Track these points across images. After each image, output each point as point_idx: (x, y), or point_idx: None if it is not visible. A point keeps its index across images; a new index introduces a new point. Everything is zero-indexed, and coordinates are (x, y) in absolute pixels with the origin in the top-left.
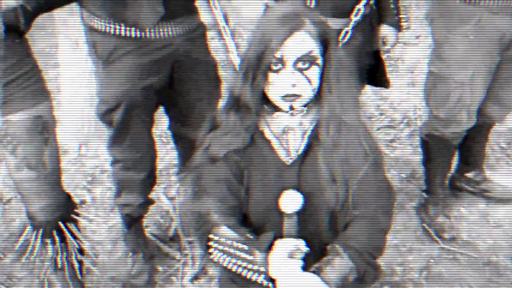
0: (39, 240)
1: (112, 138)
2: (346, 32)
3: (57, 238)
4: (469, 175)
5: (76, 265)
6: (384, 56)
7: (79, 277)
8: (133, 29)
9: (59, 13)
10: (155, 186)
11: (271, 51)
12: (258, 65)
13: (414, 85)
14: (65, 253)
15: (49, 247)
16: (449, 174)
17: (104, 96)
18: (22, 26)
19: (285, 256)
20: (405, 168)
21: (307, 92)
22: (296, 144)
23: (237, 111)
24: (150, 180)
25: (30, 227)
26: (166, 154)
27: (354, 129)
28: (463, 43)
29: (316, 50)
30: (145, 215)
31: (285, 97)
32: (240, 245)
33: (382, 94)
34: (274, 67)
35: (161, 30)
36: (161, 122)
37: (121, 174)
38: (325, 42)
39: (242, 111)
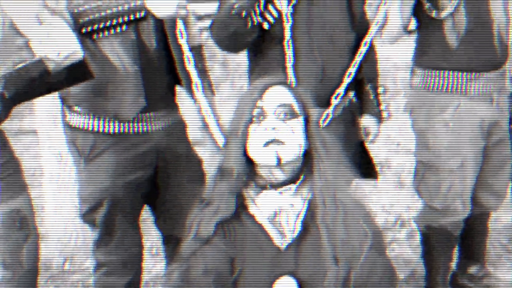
0: None
1: (97, 240)
2: (327, 115)
3: None
4: (471, 270)
5: None
6: (368, 148)
7: None
8: (111, 124)
9: (42, 127)
10: None
11: (252, 102)
12: (239, 122)
13: (402, 186)
14: None
15: None
16: (451, 271)
17: (85, 194)
18: None
19: None
20: (404, 268)
21: (291, 142)
22: (290, 226)
23: (222, 179)
24: (135, 284)
25: None
26: (154, 266)
27: (351, 209)
28: (446, 131)
29: (296, 106)
30: None
31: (268, 144)
32: None
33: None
34: (256, 120)
35: (140, 124)
36: (151, 235)
37: (104, 280)
38: (306, 117)
39: (226, 177)
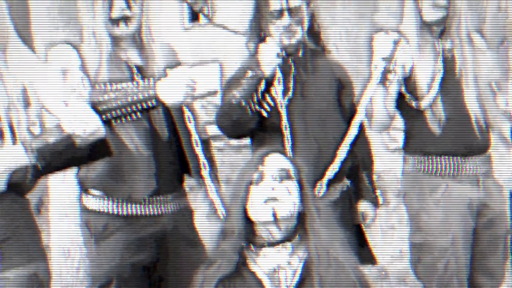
0: None
1: None
2: (321, 185)
3: None
4: None
5: None
6: (366, 233)
7: None
8: (124, 206)
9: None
10: None
11: (254, 167)
12: (241, 185)
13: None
14: None
15: None
16: None
17: (95, 273)
18: (27, 185)
19: None
20: None
21: (287, 200)
22: (287, 282)
23: (224, 239)
24: None
25: None
26: None
27: (344, 267)
28: (436, 211)
29: (292, 171)
30: None
31: (266, 201)
32: None
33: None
34: (255, 182)
35: (151, 206)
36: None
37: None
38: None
39: (229, 237)
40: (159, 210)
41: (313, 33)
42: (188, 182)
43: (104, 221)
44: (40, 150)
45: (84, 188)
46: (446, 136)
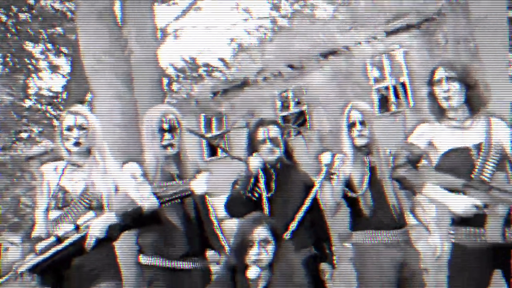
0: None
1: None
2: (287, 235)
3: None
4: None
5: None
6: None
7: None
8: (166, 261)
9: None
10: None
11: (247, 235)
12: (240, 244)
13: None
14: None
15: None
16: None
17: None
18: (114, 236)
19: None
20: None
21: (267, 259)
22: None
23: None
24: None
25: None
26: None
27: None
28: (373, 267)
29: (271, 239)
30: None
31: (253, 263)
32: None
33: None
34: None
35: (183, 262)
36: None
37: None
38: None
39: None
40: (188, 266)
41: (288, 153)
42: (209, 252)
43: (152, 272)
44: (123, 215)
45: (141, 250)
46: (374, 216)
